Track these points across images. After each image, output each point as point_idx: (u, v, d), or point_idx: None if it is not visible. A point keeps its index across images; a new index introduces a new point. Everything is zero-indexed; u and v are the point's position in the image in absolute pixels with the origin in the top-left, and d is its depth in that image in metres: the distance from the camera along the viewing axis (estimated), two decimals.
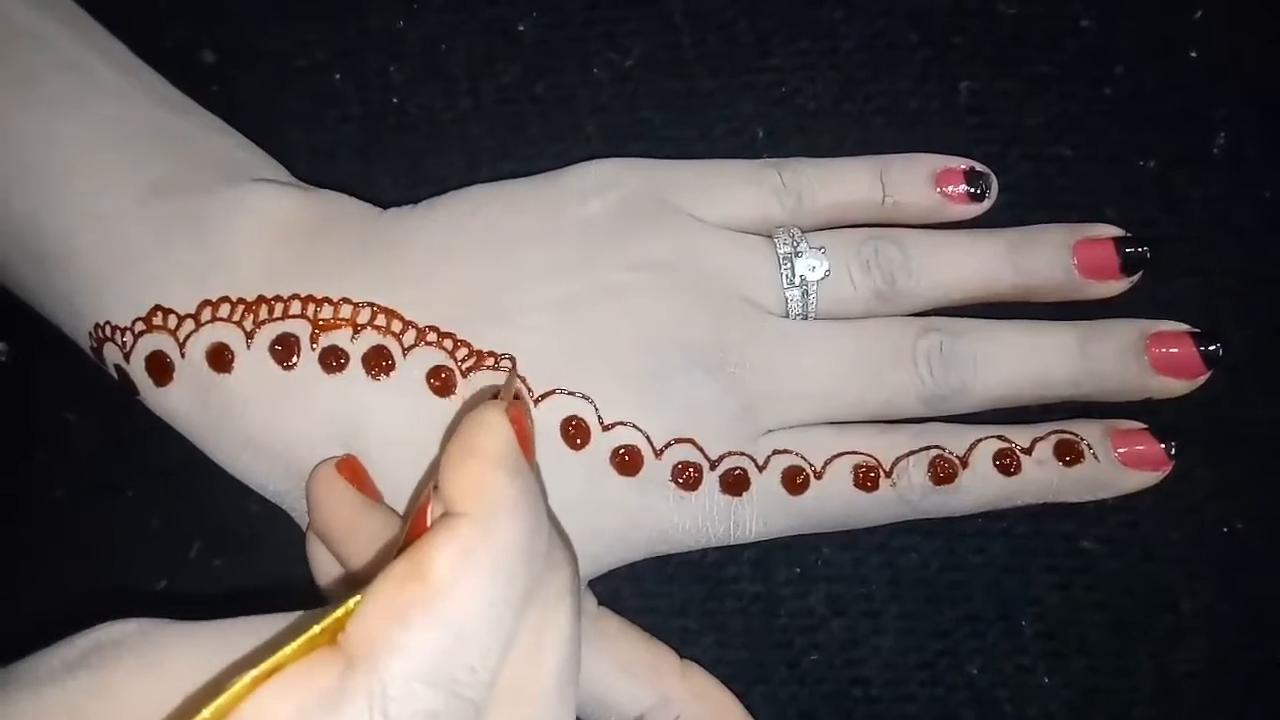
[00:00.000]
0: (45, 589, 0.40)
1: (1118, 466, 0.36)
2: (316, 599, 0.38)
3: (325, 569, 0.33)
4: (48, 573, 0.40)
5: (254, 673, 0.22)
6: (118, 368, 0.35)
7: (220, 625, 0.26)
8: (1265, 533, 0.38)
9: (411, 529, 0.25)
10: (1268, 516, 0.38)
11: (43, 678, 0.24)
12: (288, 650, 0.22)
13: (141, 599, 0.39)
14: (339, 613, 0.23)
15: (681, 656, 0.35)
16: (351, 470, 0.33)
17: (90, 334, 0.35)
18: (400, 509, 0.34)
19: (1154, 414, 0.37)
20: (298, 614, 0.26)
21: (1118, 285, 0.37)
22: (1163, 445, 0.36)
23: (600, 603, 0.36)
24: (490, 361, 0.34)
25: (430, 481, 0.25)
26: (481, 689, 0.22)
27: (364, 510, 0.32)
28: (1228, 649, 0.37)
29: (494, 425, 0.25)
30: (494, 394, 0.34)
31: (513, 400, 0.26)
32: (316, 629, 0.23)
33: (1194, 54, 0.39)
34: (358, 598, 0.22)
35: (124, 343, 0.34)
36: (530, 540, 0.24)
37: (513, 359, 0.34)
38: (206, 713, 0.21)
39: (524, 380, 0.34)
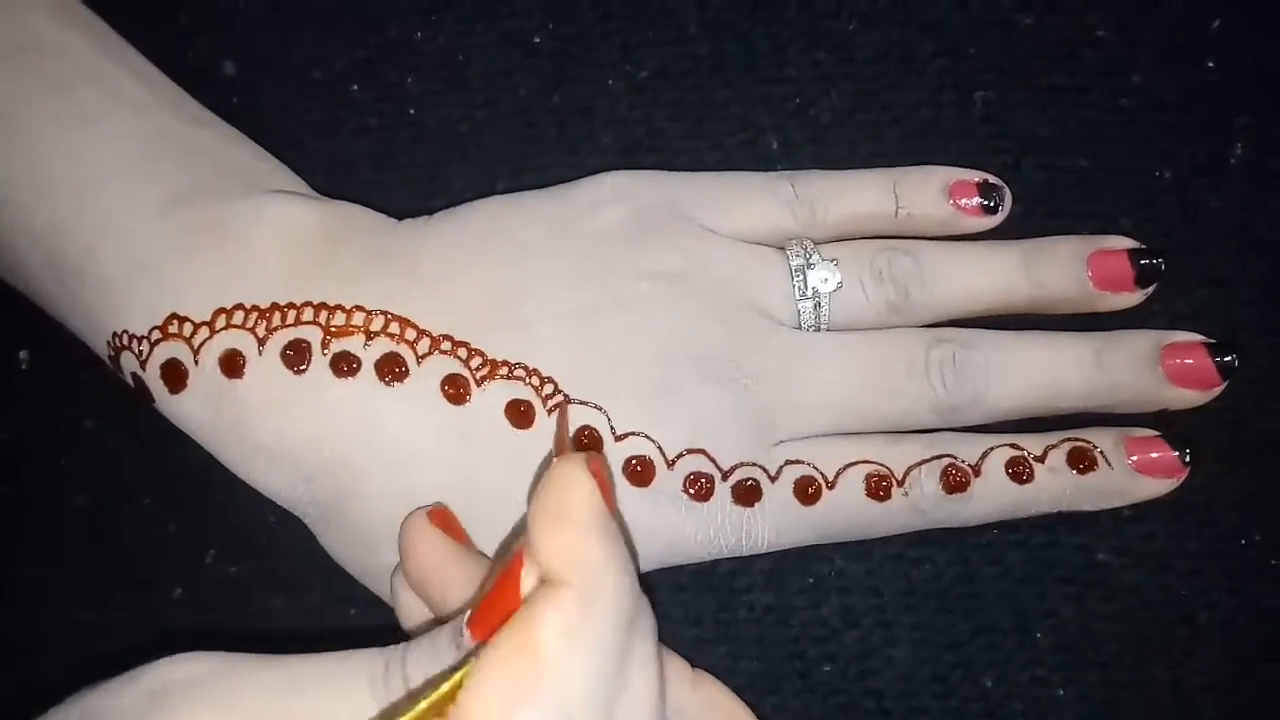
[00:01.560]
0: (64, 594, 0.41)
1: (1131, 474, 0.36)
2: (335, 604, 0.38)
3: (413, 613, 0.33)
4: (66, 578, 0.41)
5: None
6: (134, 375, 0.35)
7: (288, 667, 0.26)
8: None
9: (500, 586, 0.25)
10: None
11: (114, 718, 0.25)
12: None
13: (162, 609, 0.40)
14: (446, 688, 0.23)
15: (693, 666, 0.35)
16: (443, 519, 0.33)
17: (108, 342, 0.35)
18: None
19: (1170, 424, 0.37)
20: (363, 655, 0.26)
21: (1132, 297, 0.37)
22: (1177, 453, 0.36)
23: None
24: (504, 371, 0.34)
25: (520, 536, 0.25)
26: None
27: (458, 558, 0.32)
28: (1245, 662, 0.37)
29: (581, 484, 0.25)
30: (573, 435, 0.34)
31: (593, 454, 0.26)
32: (424, 704, 0.23)
33: (1212, 64, 0.39)
34: (465, 670, 0.23)
35: (140, 351, 0.35)
36: (631, 605, 0.24)
37: (567, 399, 0.34)
38: None
39: (538, 390, 0.34)
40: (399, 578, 0.33)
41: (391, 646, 0.26)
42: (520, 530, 0.26)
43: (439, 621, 0.31)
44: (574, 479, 0.25)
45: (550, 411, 0.34)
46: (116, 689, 0.26)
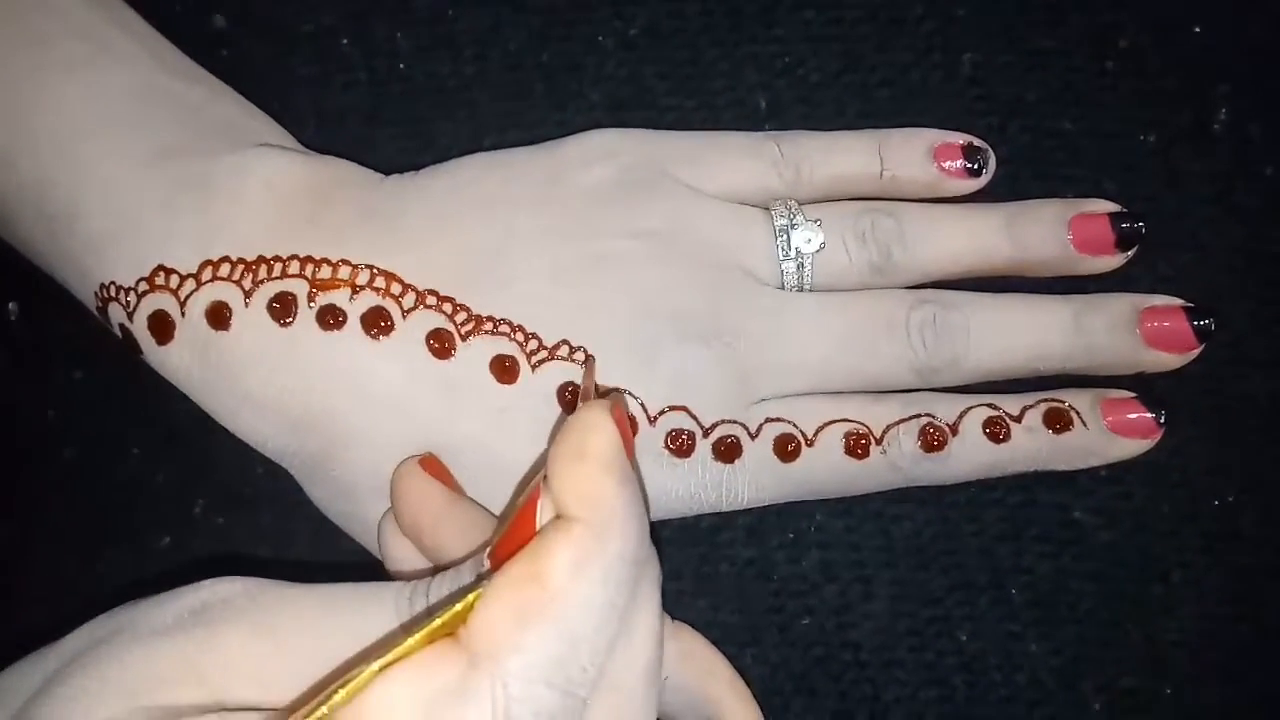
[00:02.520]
0: (54, 544, 0.41)
1: (1107, 434, 0.36)
2: (322, 555, 0.39)
3: (401, 558, 0.33)
4: (57, 528, 0.41)
5: (381, 660, 0.23)
6: (122, 327, 0.35)
7: (319, 593, 0.27)
8: (1257, 506, 0.38)
9: (518, 521, 0.26)
10: (1260, 491, 0.38)
11: (157, 629, 0.26)
12: (411, 641, 0.23)
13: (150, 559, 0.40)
14: (459, 607, 0.24)
15: (674, 619, 0.36)
16: (434, 467, 0.33)
17: (95, 294, 0.36)
18: (393, 467, 0.34)
19: (1148, 387, 0.37)
20: (389, 585, 0.27)
21: (1113, 260, 0.37)
22: (1152, 414, 0.36)
23: None
24: (489, 326, 0.34)
25: (537, 475, 0.26)
26: (590, 687, 0.24)
27: (451, 504, 0.32)
28: (1217, 620, 0.38)
29: (603, 428, 0.25)
30: (575, 389, 0.34)
31: (616, 400, 0.27)
32: (437, 622, 0.24)
33: (1197, 30, 0.40)
34: (478, 593, 0.24)
35: (128, 302, 0.35)
36: (638, 546, 0.25)
37: (589, 355, 0.34)
38: (339, 697, 0.22)
39: (523, 346, 0.34)
40: (388, 524, 0.34)
41: (417, 580, 0.27)
42: (540, 468, 0.27)
43: (437, 569, 0.32)
44: (597, 422, 0.25)
45: (534, 367, 0.34)
46: (157, 605, 0.26)
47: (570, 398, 0.34)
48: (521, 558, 0.24)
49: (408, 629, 0.26)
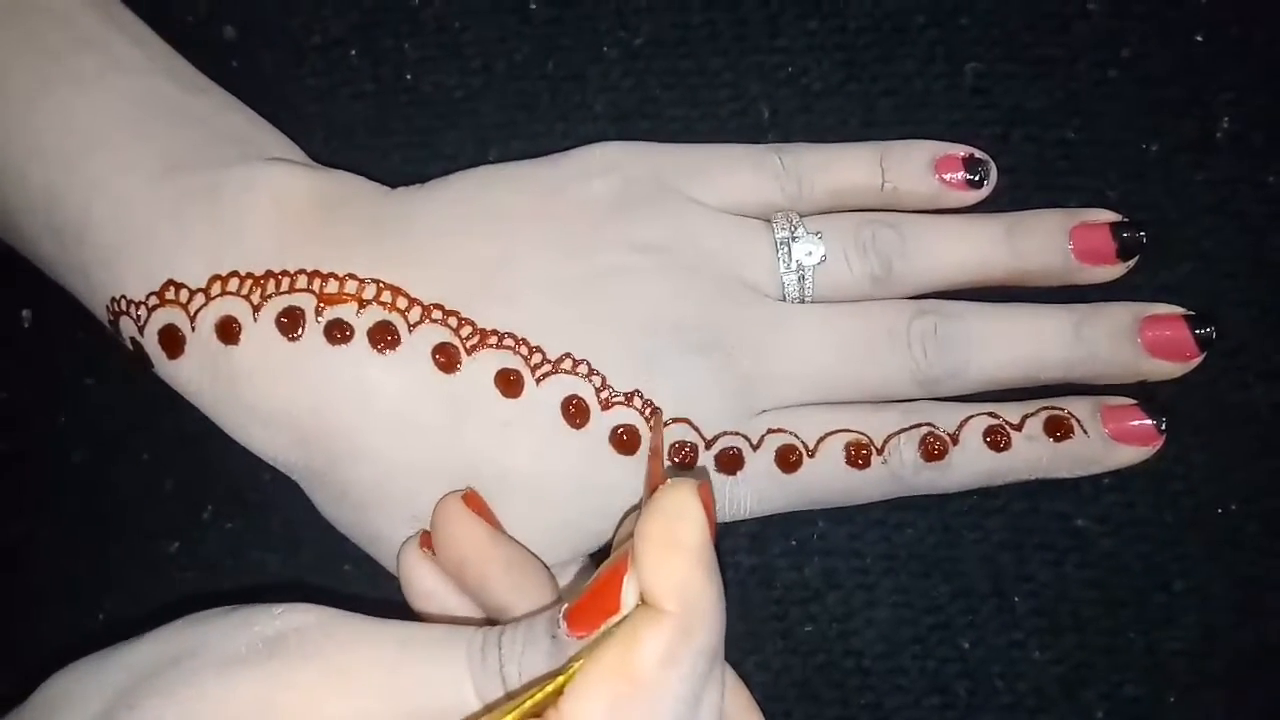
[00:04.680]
0: (64, 548, 0.41)
1: (1108, 442, 0.36)
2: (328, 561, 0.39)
3: (427, 590, 0.34)
4: (65, 533, 0.41)
5: None
6: (133, 340, 0.36)
7: (391, 635, 0.28)
8: (1259, 515, 0.38)
9: (601, 589, 0.26)
10: (1262, 499, 0.38)
11: (231, 657, 0.26)
12: None
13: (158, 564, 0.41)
14: (549, 689, 0.25)
15: None
16: (476, 503, 0.34)
17: (107, 307, 0.36)
18: (399, 485, 0.35)
19: (1151, 396, 0.37)
20: (460, 632, 0.28)
21: (1114, 270, 0.37)
22: (1153, 421, 0.36)
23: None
24: (493, 340, 0.35)
25: (623, 545, 0.27)
26: None
27: (495, 544, 0.33)
28: (1218, 629, 0.38)
29: (694, 516, 0.26)
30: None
31: (703, 480, 0.28)
32: (527, 703, 0.25)
33: (1200, 38, 0.40)
34: (569, 675, 0.25)
35: (138, 316, 0.35)
36: (720, 638, 0.26)
37: (656, 409, 0.35)
38: None
39: (527, 360, 0.35)
40: (412, 554, 0.34)
41: (487, 627, 0.28)
42: (625, 539, 0.28)
43: (490, 620, 0.33)
44: (687, 510, 0.26)
45: (539, 380, 0.35)
46: (231, 628, 0.27)
47: (573, 410, 0.34)
48: (612, 646, 0.25)
49: (490, 709, 0.27)
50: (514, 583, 0.32)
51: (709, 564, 0.26)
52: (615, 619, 0.26)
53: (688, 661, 0.25)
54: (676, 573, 0.25)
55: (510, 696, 0.27)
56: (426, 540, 0.34)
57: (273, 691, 0.26)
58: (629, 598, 0.26)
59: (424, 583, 0.33)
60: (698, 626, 0.25)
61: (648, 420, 0.35)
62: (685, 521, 0.26)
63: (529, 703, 0.25)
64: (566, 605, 0.27)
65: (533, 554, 0.33)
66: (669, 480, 0.27)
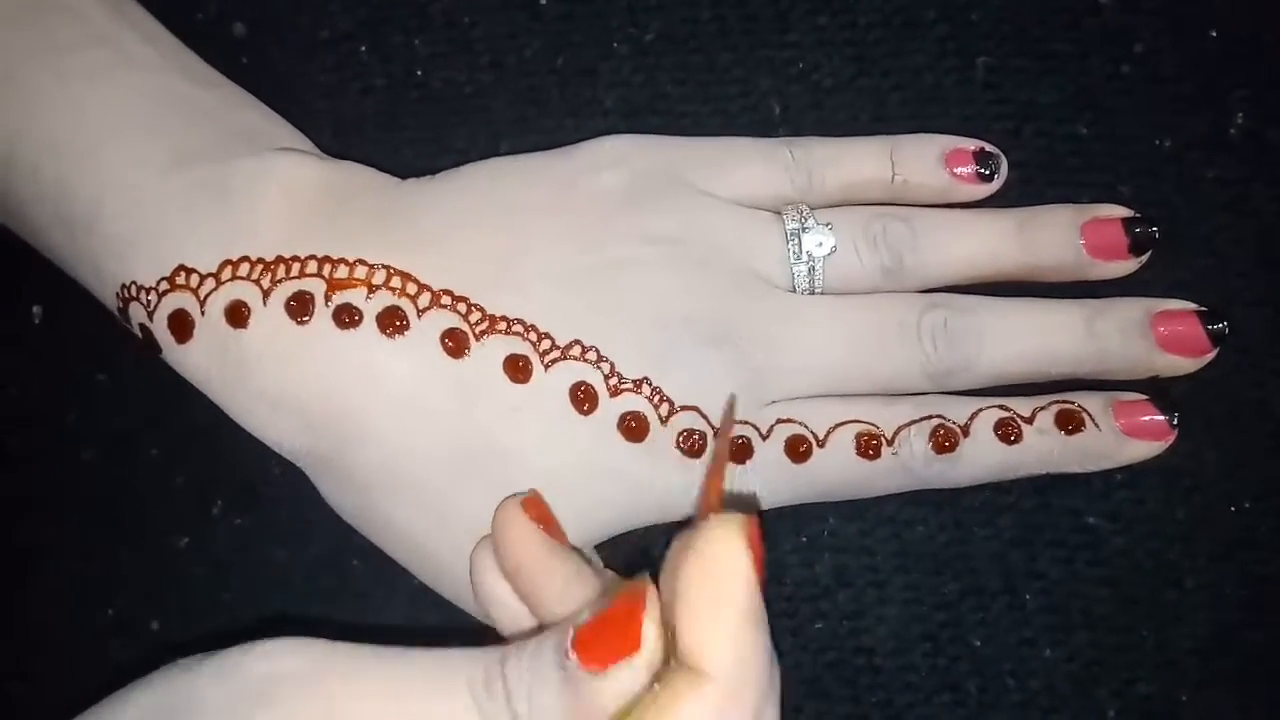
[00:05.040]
0: (74, 544, 0.41)
1: (1119, 436, 0.36)
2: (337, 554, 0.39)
3: (493, 590, 0.32)
4: (75, 529, 0.41)
5: None
6: (142, 326, 0.36)
7: (387, 671, 0.26)
8: (1271, 513, 0.38)
9: (613, 617, 0.25)
10: (1274, 497, 0.38)
11: (224, 714, 0.25)
12: None
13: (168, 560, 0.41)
14: None
15: None
16: (537, 508, 0.32)
17: (117, 294, 0.36)
18: (406, 469, 0.35)
19: (1163, 392, 0.37)
20: (461, 663, 0.26)
21: (1127, 265, 0.37)
22: (1165, 416, 0.36)
23: (608, 564, 0.37)
24: (502, 326, 0.35)
25: (637, 578, 0.25)
26: None
27: (551, 553, 0.31)
28: (1230, 627, 0.38)
29: (743, 575, 0.24)
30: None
31: (753, 519, 0.25)
32: None
33: (1214, 34, 0.39)
34: None
35: (148, 302, 0.35)
36: (766, 701, 0.24)
37: (728, 427, 0.34)
38: None
39: (536, 346, 0.35)
40: (484, 558, 0.32)
41: (488, 651, 0.26)
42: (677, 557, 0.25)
43: (540, 626, 0.31)
44: (735, 568, 0.24)
45: (547, 366, 0.35)
46: (215, 680, 0.26)
47: (581, 396, 0.34)
48: (657, 710, 0.23)
49: None
50: (569, 597, 0.30)
51: (757, 621, 0.24)
52: (635, 658, 0.24)
53: None
54: (721, 635, 0.23)
55: None
56: None
57: None
58: (650, 638, 0.24)
59: (493, 585, 0.32)
60: (746, 692, 0.23)
61: (661, 405, 0.35)
62: (733, 581, 0.23)
63: None
64: (574, 631, 0.25)
65: (589, 565, 0.32)
66: (713, 519, 0.24)
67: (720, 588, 0.24)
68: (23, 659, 0.42)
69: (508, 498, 0.33)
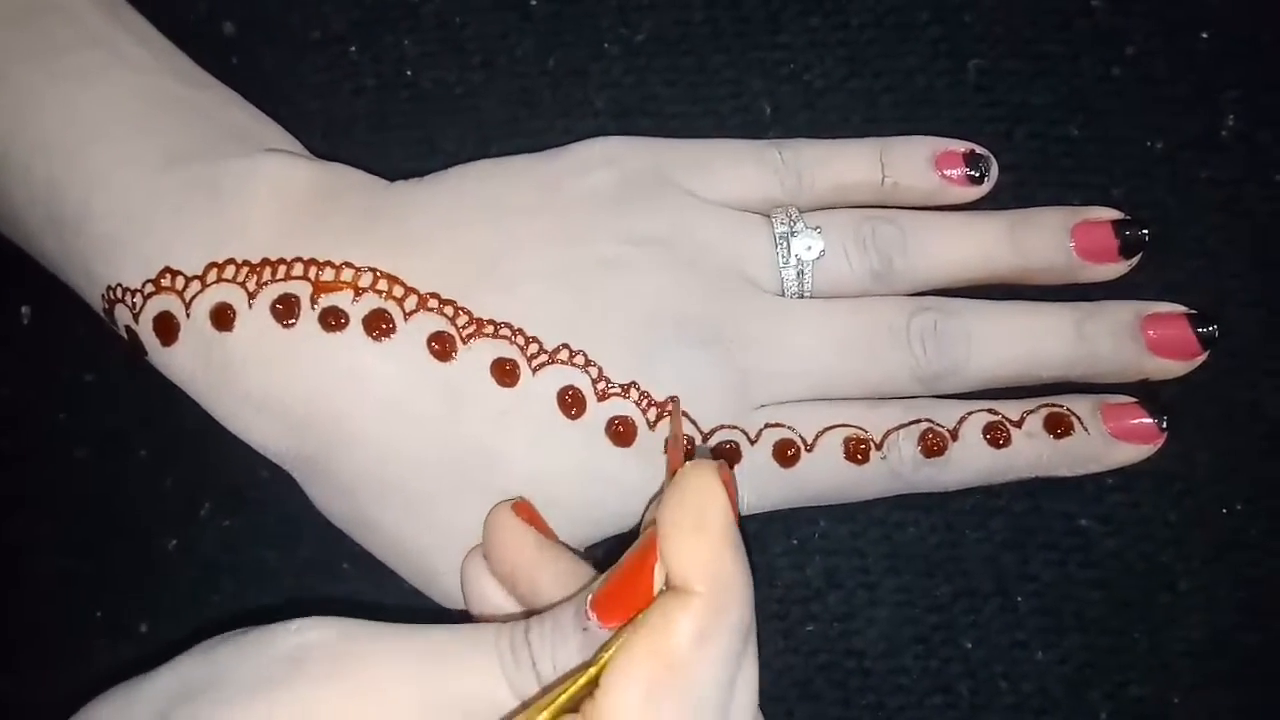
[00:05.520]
0: (63, 544, 0.41)
1: (1108, 439, 0.36)
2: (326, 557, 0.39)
3: (488, 599, 0.33)
4: (64, 529, 0.41)
5: None
6: (127, 329, 0.36)
7: (416, 641, 0.28)
8: (1264, 515, 0.38)
9: (628, 575, 0.27)
10: (1267, 500, 0.38)
11: (256, 683, 0.26)
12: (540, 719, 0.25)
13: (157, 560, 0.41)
14: (582, 681, 0.25)
15: None
16: (528, 512, 0.33)
17: (103, 296, 0.36)
18: (392, 472, 0.35)
19: (1154, 394, 0.37)
20: (485, 630, 0.28)
21: (1117, 268, 0.37)
22: (1154, 419, 0.36)
23: (599, 566, 0.37)
24: (489, 329, 0.35)
25: (648, 530, 0.27)
26: None
27: (544, 551, 0.32)
28: (1224, 629, 0.37)
29: (718, 498, 0.26)
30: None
31: (722, 463, 0.27)
32: (563, 697, 0.25)
33: (1206, 35, 0.39)
34: (600, 665, 0.25)
35: (134, 304, 0.35)
36: (750, 616, 0.26)
37: (677, 400, 0.35)
38: None
39: (523, 349, 0.35)
40: (474, 565, 0.33)
41: (512, 622, 0.28)
42: (649, 525, 0.27)
43: (530, 613, 0.32)
44: (709, 491, 0.26)
45: (535, 370, 0.34)
46: (251, 650, 0.27)
47: (569, 400, 0.34)
48: (643, 632, 0.25)
49: (527, 705, 0.27)
50: (564, 590, 0.31)
51: (735, 542, 0.26)
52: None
53: (721, 640, 0.25)
54: (703, 553, 0.25)
55: (545, 691, 0.27)
56: None
57: (304, 713, 0.26)
58: (659, 583, 0.26)
59: (486, 592, 0.33)
60: (729, 604, 0.25)
61: (649, 409, 0.35)
62: (709, 503, 0.26)
63: (564, 696, 0.25)
64: (591, 595, 0.27)
65: (584, 561, 0.33)
66: (689, 464, 0.27)
67: (701, 513, 0.26)
68: (11, 658, 0.42)
69: (498, 503, 0.33)
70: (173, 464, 0.41)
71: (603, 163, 0.37)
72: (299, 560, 0.39)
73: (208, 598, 0.40)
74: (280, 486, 0.37)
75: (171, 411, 0.38)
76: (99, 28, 0.38)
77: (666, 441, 0.35)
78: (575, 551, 0.33)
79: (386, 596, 0.38)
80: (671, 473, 0.29)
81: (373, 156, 0.39)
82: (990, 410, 0.36)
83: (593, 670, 0.25)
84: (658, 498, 0.33)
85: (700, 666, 0.25)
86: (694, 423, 0.35)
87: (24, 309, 0.43)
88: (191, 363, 0.35)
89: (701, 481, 0.26)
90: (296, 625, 0.28)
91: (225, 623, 0.39)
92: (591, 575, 0.32)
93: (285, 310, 0.35)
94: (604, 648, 0.26)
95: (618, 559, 0.28)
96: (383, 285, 0.35)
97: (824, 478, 0.35)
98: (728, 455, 0.35)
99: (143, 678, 0.28)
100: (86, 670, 0.40)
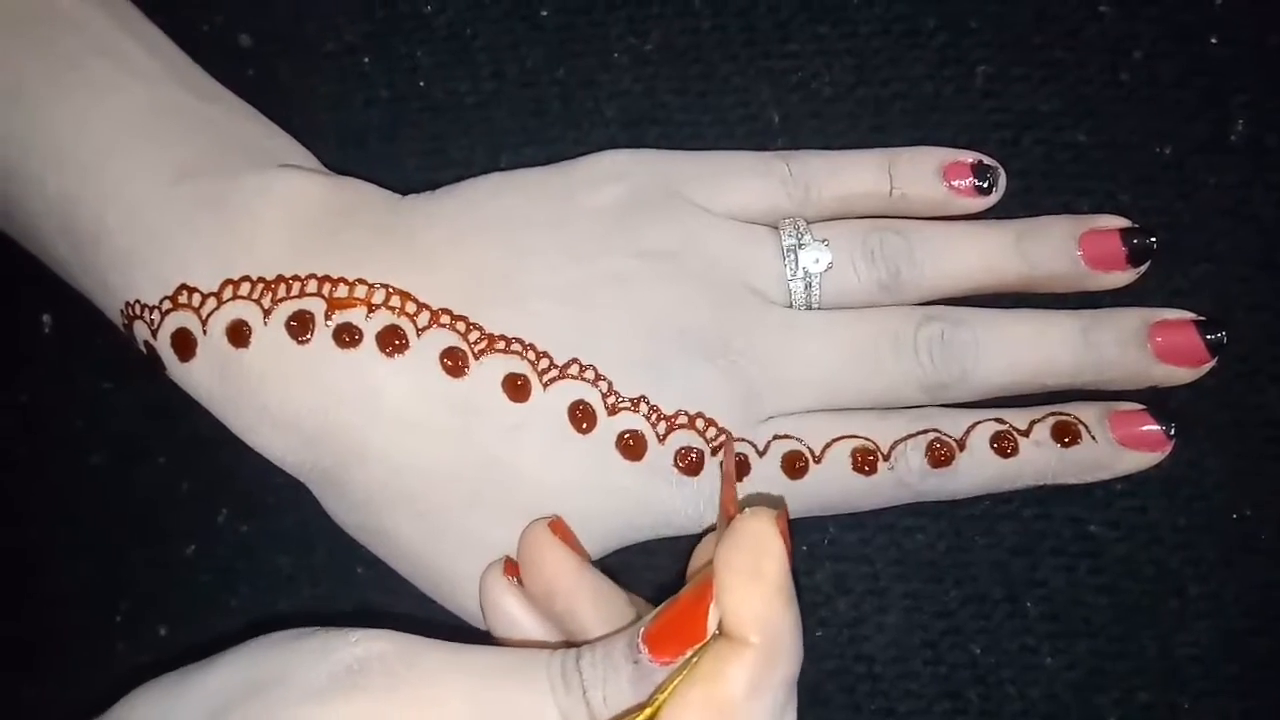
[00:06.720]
0: (80, 550, 0.42)
1: (1116, 447, 0.36)
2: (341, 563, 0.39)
3: (511, 616, 0.33)
4: (82, 536, 0.42)
5: None
6: (146, 344, 0.36)
7: (473, 662, 0.28)
8: (1273, 521, 0.38)
9: (683, 612, 0.27)
10: (1276, 505, 0.38)
11: (315, 689, 0.27)
12: None
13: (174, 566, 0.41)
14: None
15: None
16: (563, 531, 0.34)
17: (121, 311, 0.36)
18: (406, 486, 0.35)
19: (1163, 400, 0.37)
20: (538, 656, 0.28)
21: (1125, 276, 0.37)
22: (1161, 427, 0.36)
23: (611, 574, 0.37)
24: (501, 345, 0.35)
25: (704, 568, 0.27)
26: None
27: (585, 573, 0.33)
28: (1232, 635, 0.38)
29: (775, 549, 0.26)
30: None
31: (781, 511, 0.28)
32: None
33: (1214, 40, 0.39)
34: (657, 706, 0.26)
35: (152, 320, 0.36)
36: (798, 667, 0.27)
37: (730, 438, 0.35)
38: None
39: (534, 364, 0.35)
40: (495, 582, 0.33)
41: (563, 650, 0.28)
42: (701, 564, 0.29)
43: (572, 638, 0.33)
44: (767, 541, 0.27)
45: (546, 385, 0.35)
46: (312, 657, 0.27)
47: (580, 415, 0.35)
48: (699, 679, 0.26)
49: None
50: (602, 615, 0.32)
51: (790, 594, 0.26)
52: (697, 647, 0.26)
53: (772, 693, 0.26)
54: (759, 604, 0.26)
55: None
56: (511, 568, 0.34)
57: None
58: (714, 628, 0.26)
59: (510, 610, 0.33)
60: (781, 657, 0.26)
61: (658, 423, 0.35)
62: (766, 553, 0.26)
63: None
64: (644, 629, 0.27)
65: (620, 588, 0.33)
66: (748, 510, 0.27)
67: (758, 564, 0.26)
68: (32, 662, 0.42)
69: (534, 521, 0.34)
70: (190, 471, 0.41)
71: (612, 177, 0.37)
72: (313, 565, 0.40)
73: (225, 602, 0.40)
74: (295, 493, 0.38)
75: (188, 419, 0.38)
76: (109, 38, 0.38)
77: (720, 479, 0.35)
78: (607, 577, 0.34)
79: (399, 603, 0.38)
80: (725, 511, 0.29)
81: (385, 166, 0.40)
82: (998, 419, 0.36)
83: (648, 711, 0.26)
84: (711, 534, 0.34)
85: (750, 717, 0.25)
86: (702, 435, 0.35)
87: (45, 317, 0.43)
88: (209, 378, 0.36)
89: (760, 529, 0.27)
90: (356, 636, 0.28)
91: (244, 628, 0.40)
92: (625, 600, 0.33)
93: (300, 327, 0.35)
94: (659, 689, 0.26)
95: (671, 595, 0.28)
96: (395, 302, 0.35)
97: (832, 489, 0.36)
98: (737, 467, 0.35)
99: (195, 668, 0.29)
100: (107, 674, 0.40)
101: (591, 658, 0.28)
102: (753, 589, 0.26)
